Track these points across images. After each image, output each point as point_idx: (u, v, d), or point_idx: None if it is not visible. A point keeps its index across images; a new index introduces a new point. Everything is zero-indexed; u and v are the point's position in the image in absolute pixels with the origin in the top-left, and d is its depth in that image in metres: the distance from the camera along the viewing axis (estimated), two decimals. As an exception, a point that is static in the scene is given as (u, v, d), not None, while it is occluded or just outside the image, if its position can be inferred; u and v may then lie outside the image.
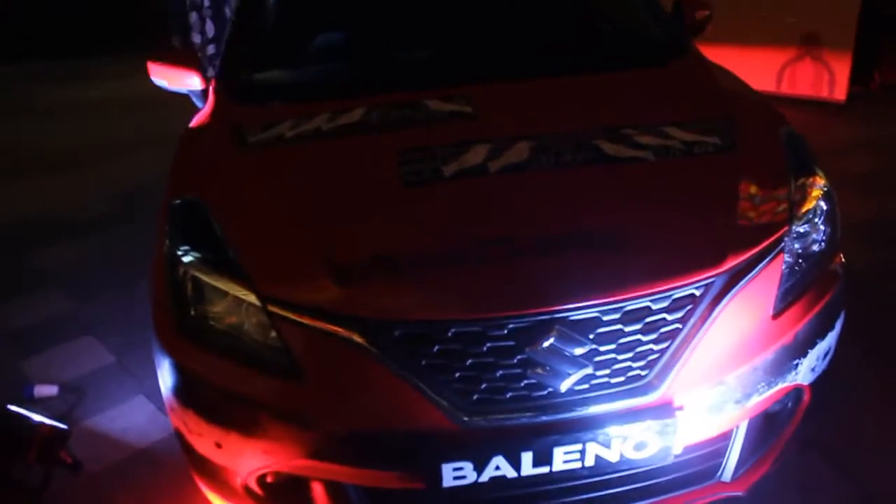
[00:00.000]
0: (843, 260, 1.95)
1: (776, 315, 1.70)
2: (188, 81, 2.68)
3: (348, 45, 2.81)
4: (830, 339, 1.86)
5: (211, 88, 2.60)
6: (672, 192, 1.79)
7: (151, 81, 2.76)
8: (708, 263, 1.61)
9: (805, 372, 1.79)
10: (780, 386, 1.74)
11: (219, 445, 1.72)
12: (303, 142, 2.09)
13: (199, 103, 2.75)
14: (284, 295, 1.63)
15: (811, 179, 1.94)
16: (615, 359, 1.57)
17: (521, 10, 2.81)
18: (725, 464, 1.83)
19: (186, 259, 1.79)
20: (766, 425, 1.87)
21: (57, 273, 4.08)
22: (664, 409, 1.59)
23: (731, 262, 1.63)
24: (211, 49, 4.60)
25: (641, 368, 1.59)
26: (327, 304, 1.59)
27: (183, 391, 1.78)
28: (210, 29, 4.58)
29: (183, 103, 7.77)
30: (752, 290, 1.66)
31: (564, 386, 1.55)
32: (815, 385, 1.85)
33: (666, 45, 2.57)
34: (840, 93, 5.78)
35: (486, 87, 2.26)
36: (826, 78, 5.82)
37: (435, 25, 2.74)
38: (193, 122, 2.48)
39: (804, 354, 1.76)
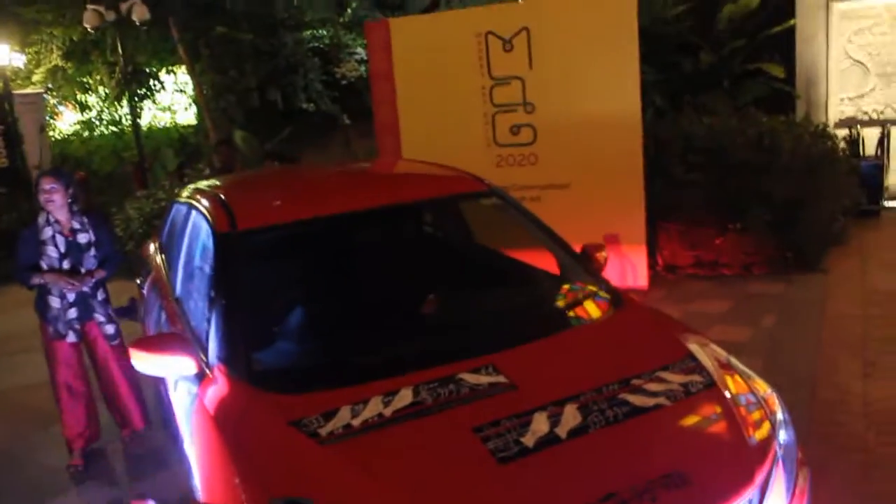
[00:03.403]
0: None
1: None
2: (179, 366, 2.74)
3: (362, 323, 3.04)
4: None
5: (220, 373, 2.67)
6: (699, 429, 2.30)
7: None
8: (747, 480, 2.11)
9: None
10: None
11: None
12: (375, 429, 2.28)
13: (191, 384, 2.80)
14: None
15: (763, 390, 2.54)
16: None
17: (499, 286, 3.30)
18: None
19: None
20: None
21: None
22: None
23: (760, 476, 2.15)
24: (73, 313, 4.38)
25: None
26: None
27: None
28: (71, 293, 4.36)
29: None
30: (774, 493, 2.16)
31: None
32: None
33: (613, 297, 3.14)
34: (642, 280, 6.83)
35: (502, 355, 2.61)
36: (629, 269, 6.86)
37: (434, 305, 3.11)
38: (215, 409, 2.53)
39: None
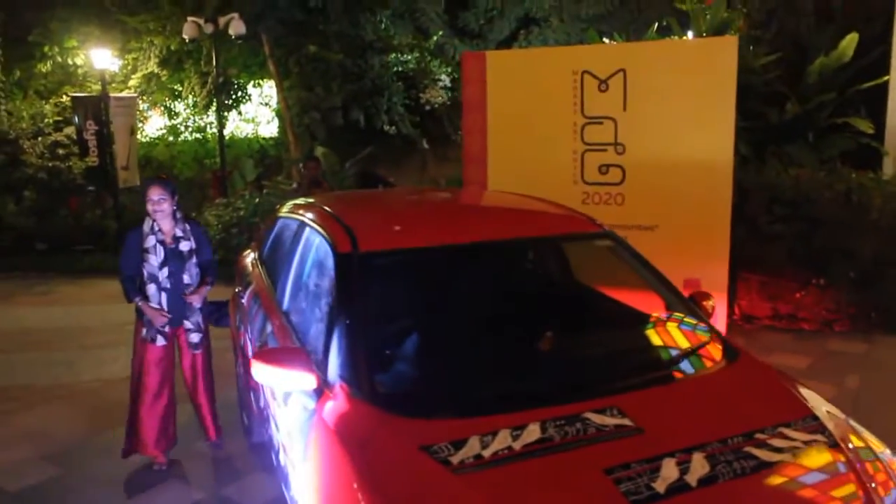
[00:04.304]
0: None
1: None
2: (300, 381, 2.78)
3: (483, 354, 3.07)
4: None
5: (341, 391, 2.70)
6: (827, 488, 2.30)
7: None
8: None
9: None
10: None
11: None
12: (507, 462, 2.30)
13: (308, 399, 2.86)
14: None
15: (881, 450, 2.53)
16: None
17: (616, 328, 3.33)
18: None
19: None
20: None
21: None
22: None
23: None
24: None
25: None
26: None
27: None
28: (165, 301, 4.51)
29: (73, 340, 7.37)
30: None
31: None
32: None
33: (728, 348, 3.15)
34: (720, 327, 6.72)
35: (625, 398, 2.64)
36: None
37: (552, 342, 3.15)
38: (339, 427, 2.57)
39: None
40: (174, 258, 4.49)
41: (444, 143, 14.56)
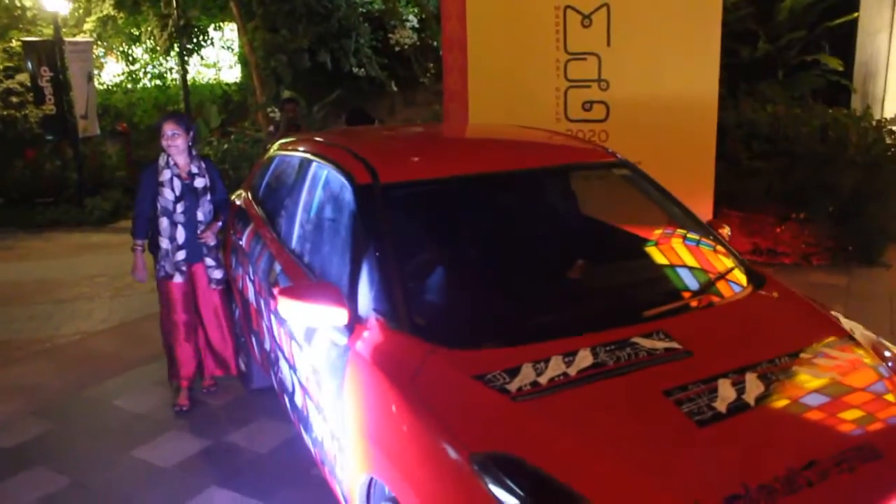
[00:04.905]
0: None
1: None
2: (331, 316, 2.67)
3: (520, 282, 3.01)
4: None
5: (377, 325, 2.63)
6: (873, 396, 2.34)
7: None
8: None
9: None
10: None
11: None
12: (565, 388, 2.27)
13: (340, 335, 2.78)
14: None
15: None
16: None
17: (645, 257, 3.33)
18: None
19: None
20: None
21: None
22: None
23: None
24: (181, 255, 4.50)
25: None
26: None
27: None
28: (181, 236, 4.48)
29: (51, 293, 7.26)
30: None
31: None
32: None
33: (754, 274, 3.17)
34: (706, 262, 6.85)
35: (669, 322, 2.63)
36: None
37: (583, 270, 3.12)
38: (382, 362, 2.51)
39: None
40: (189, 193, 4.53)
41: (412, 86, 14.34)
